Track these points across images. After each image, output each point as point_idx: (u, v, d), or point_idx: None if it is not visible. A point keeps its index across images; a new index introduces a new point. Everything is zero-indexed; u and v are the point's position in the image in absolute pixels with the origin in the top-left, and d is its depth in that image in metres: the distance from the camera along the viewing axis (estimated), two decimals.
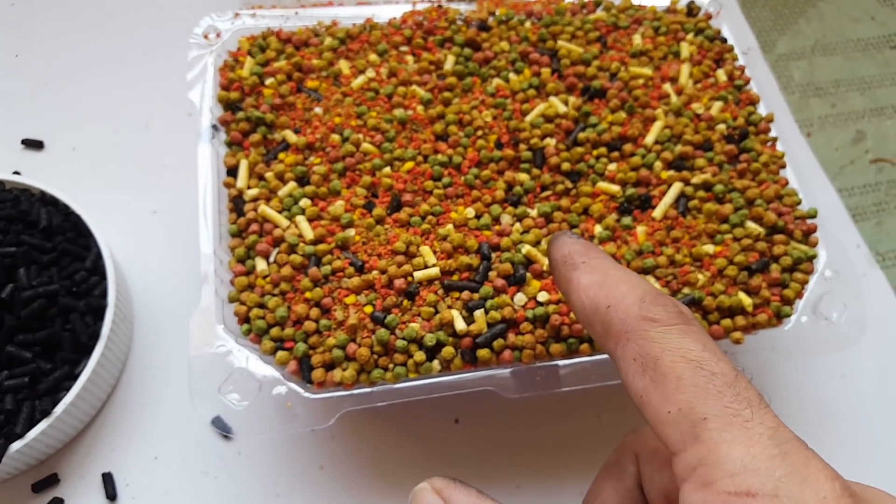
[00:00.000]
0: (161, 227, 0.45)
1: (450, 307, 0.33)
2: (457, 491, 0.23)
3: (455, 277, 0.34)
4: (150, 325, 0.42)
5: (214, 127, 0.38)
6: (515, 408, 0.41)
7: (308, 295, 0.33)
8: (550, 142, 0.38)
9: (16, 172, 0.46)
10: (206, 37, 0.40)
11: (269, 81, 0.39)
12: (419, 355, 0.32)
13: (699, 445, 0.19)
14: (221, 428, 0.39)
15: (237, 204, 0.36)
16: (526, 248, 0.34)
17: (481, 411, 0.41)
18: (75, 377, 0.36)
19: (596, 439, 0.40)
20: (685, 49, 0.42)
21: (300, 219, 0.35)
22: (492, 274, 0.34)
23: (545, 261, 0.35)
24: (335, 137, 0.37)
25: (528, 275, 0.34)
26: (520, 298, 0.34)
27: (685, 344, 0.21)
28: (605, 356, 0.34)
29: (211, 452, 0.39)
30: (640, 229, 0.36)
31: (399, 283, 0.33)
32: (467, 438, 0.40)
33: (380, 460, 0.39)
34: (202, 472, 0.38)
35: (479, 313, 0.33)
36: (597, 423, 0.41)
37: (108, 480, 0.38)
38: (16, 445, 0.35)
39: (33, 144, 0.48)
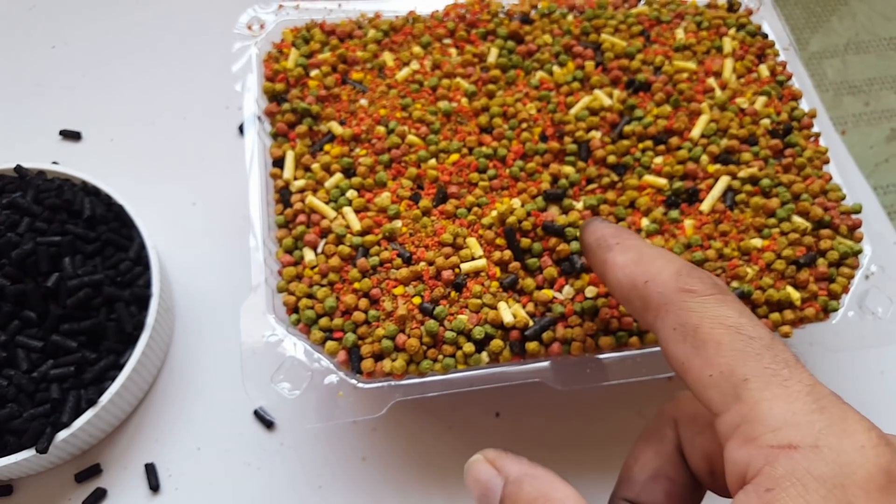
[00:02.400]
0: (200, 219, 0.45)
1: (494, 295, 0.33)
2: (508, 460, 0.23)
3: (497, 271, 0.34)
4: (191, 316, 0.42)
5: (258, 118, 0.38)
6: (555, 402, 0.41)
7: (356, 285, 0.33)
8: (595, 134, 0.38)
9: (54, 163, 0.46)
10: (249, 28, 0.40)
11: (314, 73, 0.39)
12: (468, 347, 0.32)
13: (741, 405, 0.20)
14: (264, 418, 0.39)
15: (284, 195, 0.36)
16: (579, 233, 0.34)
17: (521, 405, 0.41)
18: (120, 367, 0.36)
19: (635, 434, 0.40)
20: (728, 44, 0.42)
21: (347, 210, 0.35)
22: (543, 261, 0.34)
23: None
24: (380, 129, 0.37)
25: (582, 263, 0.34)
26: (567, 292, 0.34)
27: (723, 312, 0.22)
28: (654, 349, 0.34)
29: (254, 443, 0.39)
30: (688, 223, 0.36)
31: (447, 274, 0.33)
32: (508, 432, 0.40)
33: (421, 452, 0.39)
34: (245, 463, 0.38)
35: (518, 308, 0.33)
36: (637, 417, 0.41)
37: (150, 471, 0.38)
38: (62, 434, 0.35)
39: (71, 135, 0.48)
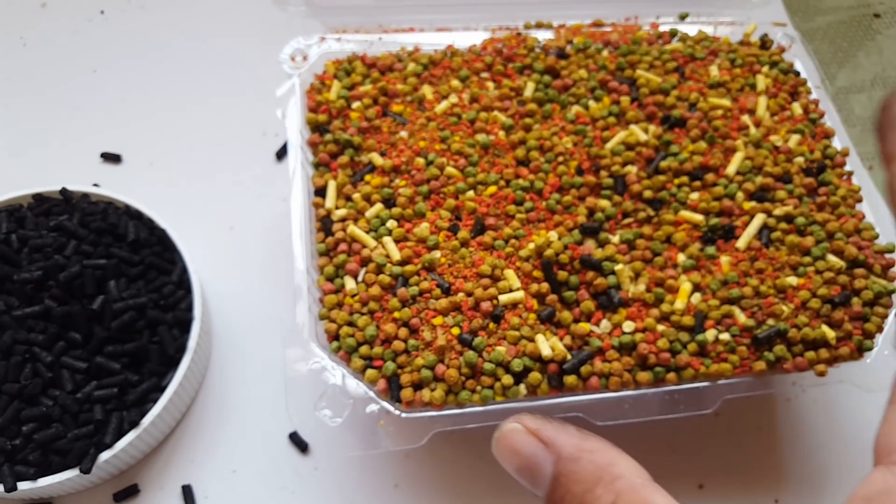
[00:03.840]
0: (237, 243, 0.46)
1: (532, 327, 0.34)
2: (556, 431, 0.21)
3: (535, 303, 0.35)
4: (228, 339, 0.43)
5: (301, 148, 0.39)
6: None
7: (396, 315, 0.34)
8: (632, 169, 0.39)
9: (95, 185, 0.48)
10: (293, 59, 0.41)
11: (355, 105, 0.40)
12: (506, 379, 0.33)
13: None
14: (299, 442, 0.39)
15: (325, 224, 0.37)
16: (618, 267, 0.35)
17: None
18: (162, 389, 0.37)
19: (667, 469, 0.40)
20: (761, 81, 0.42)
21: (387, 240, 0.36)
22: (580, 294, 0.35)
23: (631, 287, 0.35)
24: (420, 161, 0.38)
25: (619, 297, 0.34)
26: (605, 326, 0.34)
27: None
28: (691, 385, 0.34)
29: (288, 467, 0.39)
30: (725, 259, 0.36)
31: (485, 305, 0.34)
32: None
33: (454, 481, 0.39)
34: (280, 487, 0.39)
35: (555, 340, 0.34)
36: (670, 452, 0.41)
37: (187, 493, 0.38)
38: (104, 455, 0.35)
39: (111, 158, 0.49)
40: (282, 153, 0.50)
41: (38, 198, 0.42)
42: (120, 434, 0.36)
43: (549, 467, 0.20)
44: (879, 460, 0.20)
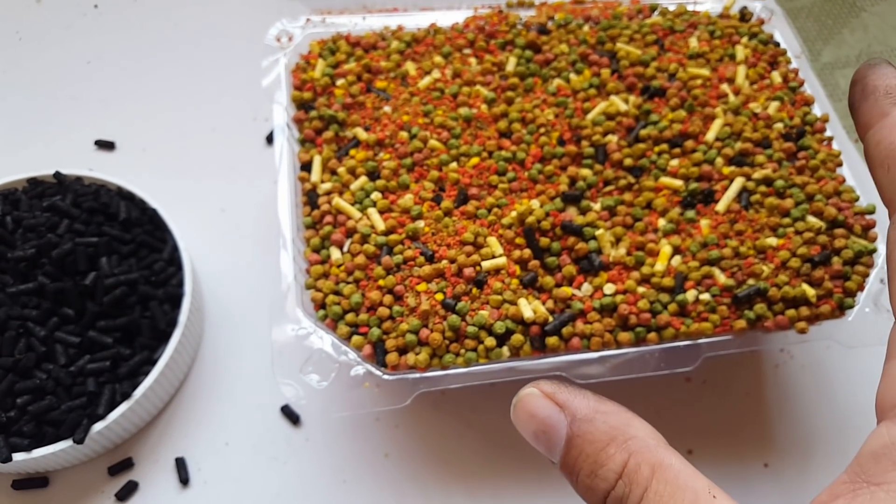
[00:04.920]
0: (229, 224, 0.47)
1: (514, 292, 0.34)
2: (571, 394, 0.21)
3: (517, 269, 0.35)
4: (220, 316, 0.43)
5: (287, 125, 0.40)
6: None
7: (381, 283, 0.34)
8: (612, 138, 0.39)
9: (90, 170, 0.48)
10: (278, 40, 0.42)
11: (339, 82, 0.41)
12: (489, 341, 0.33)
13: None
14: (291, 414, 0.40)
15: (311, 197, 0.38)
16: (599, 232, 0.35)
17: None
18: (153, 362, 0.38)
19: None
20: (741, 51, 0.43)
21: (372, 211, 0.37)
22: (562, 259, 0.35)
23: (612, 252, 0.36)
24: (403, 134, 0.39)
25: (601, 261, 0.35)
26: (586, 289, 0.35)
27: None
28: (672, 344, 0.34)
29: (280, 438, 0.40)
30: (704, 222, 0.37)
31: (468, 271, 0.35)
32: None
33: (442, 449, 0.40)
34: (272, 458, 0.39)
35: (538, 304, 0.34)
36: (654, 414, 0.41)
37: (181, 465, 0.39)
38: (97, 426, 0.36)
39: (105, 145, 0.50)
40: (271, 138, 0.51)
41: (33, 181, 0.43)
42: (112, 405, 0.36)
43: (564, 430, 0.20)
44: (883, 416, 0.20)
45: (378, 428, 0.40)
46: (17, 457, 0.35)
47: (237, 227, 0.47)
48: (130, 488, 0.38)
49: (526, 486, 0.39)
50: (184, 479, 0.38)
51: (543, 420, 0.21)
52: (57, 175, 0.43)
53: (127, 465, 0.39)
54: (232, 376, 0.41)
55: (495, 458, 0.40)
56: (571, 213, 0.37)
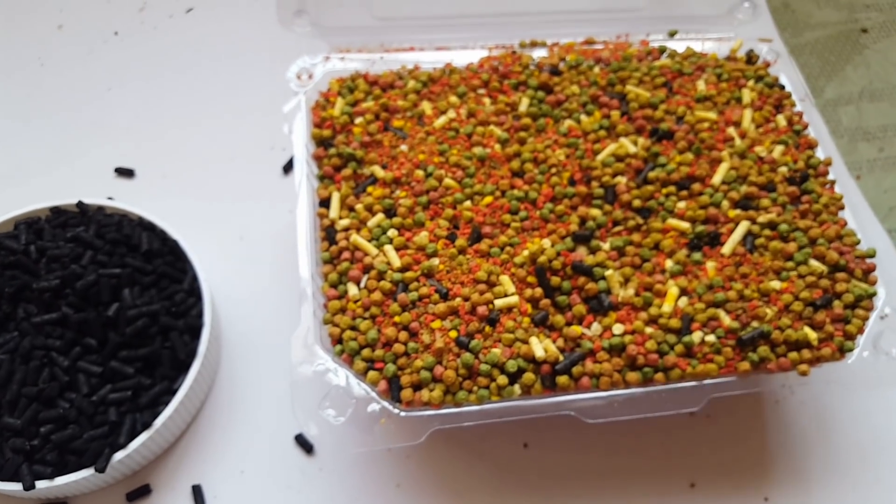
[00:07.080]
0: (246, 252, 0.48)
1: (526, 330, 0.35)
2: None
3: (529, 308, 0.36)
4: (236, 343, 0.44)
5: (306, 162, 0.41)
6: (582, 434, 0.42)
7: (397, 319, 0.36)
8: (621, 179, 0.40)
9: (109, 198, 0.50)
10: (299, 77, 0.44)
11: (358, 120, 0.42)
12: (501, 379, 0.34)
13: None
14: (305, 443, 0.41)
15: (329, 233, 0.39)
16: (608, 272, 0.36)
17: (549, 437, 0.42)
18: (173, 392, 0.39)
19: (658, 466, 0.42)
20: (747, 95, 0.44)
21: (388, 248, 0.38)
22: (572, 298, 0.36)
23: (621, 292, 0.37)
24: (419, 173, 0.40)
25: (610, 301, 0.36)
26: (595, 329, 0.36)
27: None
28: (678, 385, 0.35)
29: (294, 467, 0.41)
30: (710, 265, 0.38)
31: (482, 310, 0.36)
32: (535, 462, 0.42)
33: (453, 480, 0.41)
34: (286, 486, 0.40)
35: (549, 343, 0.35)
36: (660, 451, 0.42)
37: (197, 493, 0.40)
38: (118, 455, 0.37)
39: (125, 172, 0.51)
40: (288, 167, 0.52)
41: (56, 210, 0.44)
42: (133, 435, 0.37)
43: None
44: None
45: (390, 458, 0.41)
46: (40, 484, 0.36)
47: (255, 256, 0.48)
48: None
49: None
50: None
51: None
52: (80, 205, 0.44)
53: (145, 491, 0.40)
54: (247, 404, 0.42)
55: (505, 490, 0.41)
56: (582, 253, 0.38)
